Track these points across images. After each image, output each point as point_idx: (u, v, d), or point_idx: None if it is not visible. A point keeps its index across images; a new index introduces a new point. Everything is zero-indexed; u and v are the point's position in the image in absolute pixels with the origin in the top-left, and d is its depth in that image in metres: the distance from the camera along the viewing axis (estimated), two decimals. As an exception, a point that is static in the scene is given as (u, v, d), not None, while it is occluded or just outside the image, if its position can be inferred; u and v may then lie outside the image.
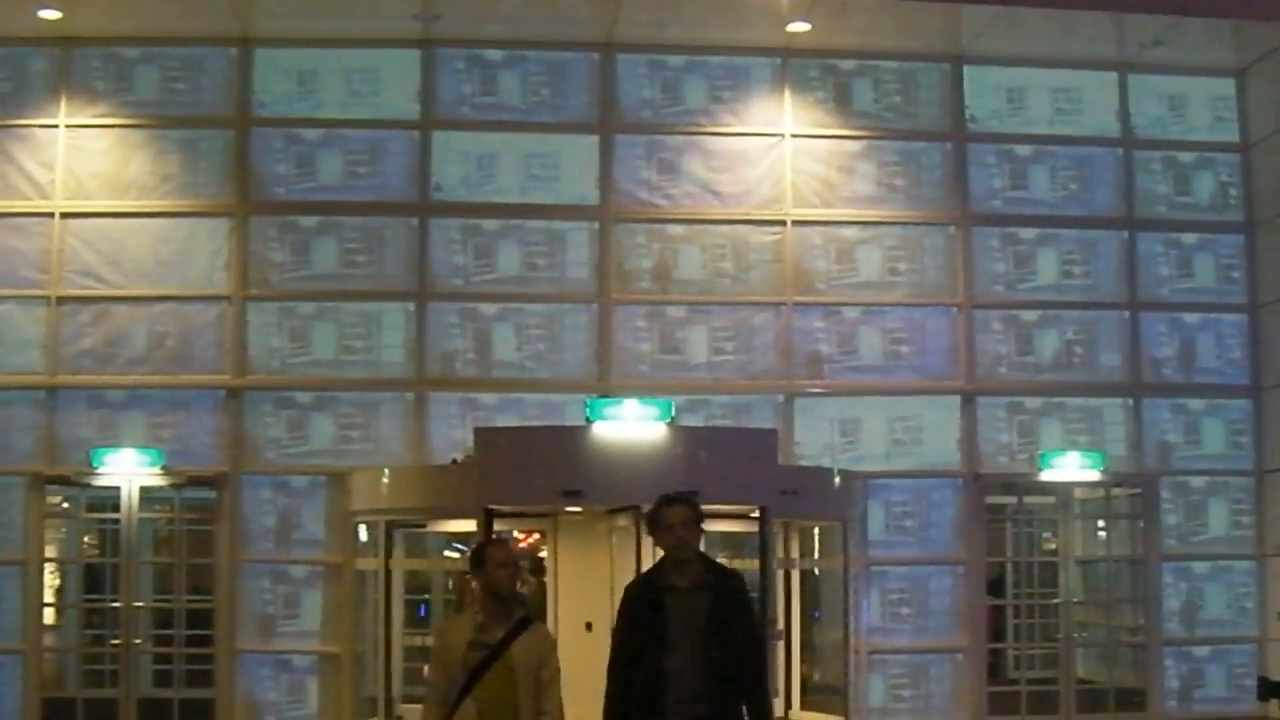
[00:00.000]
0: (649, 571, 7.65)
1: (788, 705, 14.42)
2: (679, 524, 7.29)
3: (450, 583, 15.69)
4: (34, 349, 15.16)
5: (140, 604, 15.04)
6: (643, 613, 7.25)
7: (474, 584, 7.63)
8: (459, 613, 8.26)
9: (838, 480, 14.51)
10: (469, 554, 7.33)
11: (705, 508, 7.47)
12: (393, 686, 13.95)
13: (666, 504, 7.39)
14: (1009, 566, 16.31)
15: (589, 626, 12.87)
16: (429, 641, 10.44)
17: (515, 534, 14.75)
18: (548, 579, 13.72)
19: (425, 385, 15.36)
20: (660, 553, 7.43)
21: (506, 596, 7.37)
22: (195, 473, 15.02)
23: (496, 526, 13.12)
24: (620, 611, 7.45)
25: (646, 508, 7.70)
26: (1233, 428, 16.31)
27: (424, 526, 14.96)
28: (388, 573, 14.15)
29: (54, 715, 14.70)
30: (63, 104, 15.48)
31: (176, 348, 15.26)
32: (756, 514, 13.24)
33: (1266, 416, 16.23)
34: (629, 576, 13.73)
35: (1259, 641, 16.00)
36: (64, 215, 15.32)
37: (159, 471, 14.82)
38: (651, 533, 7.47)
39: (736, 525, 13.67)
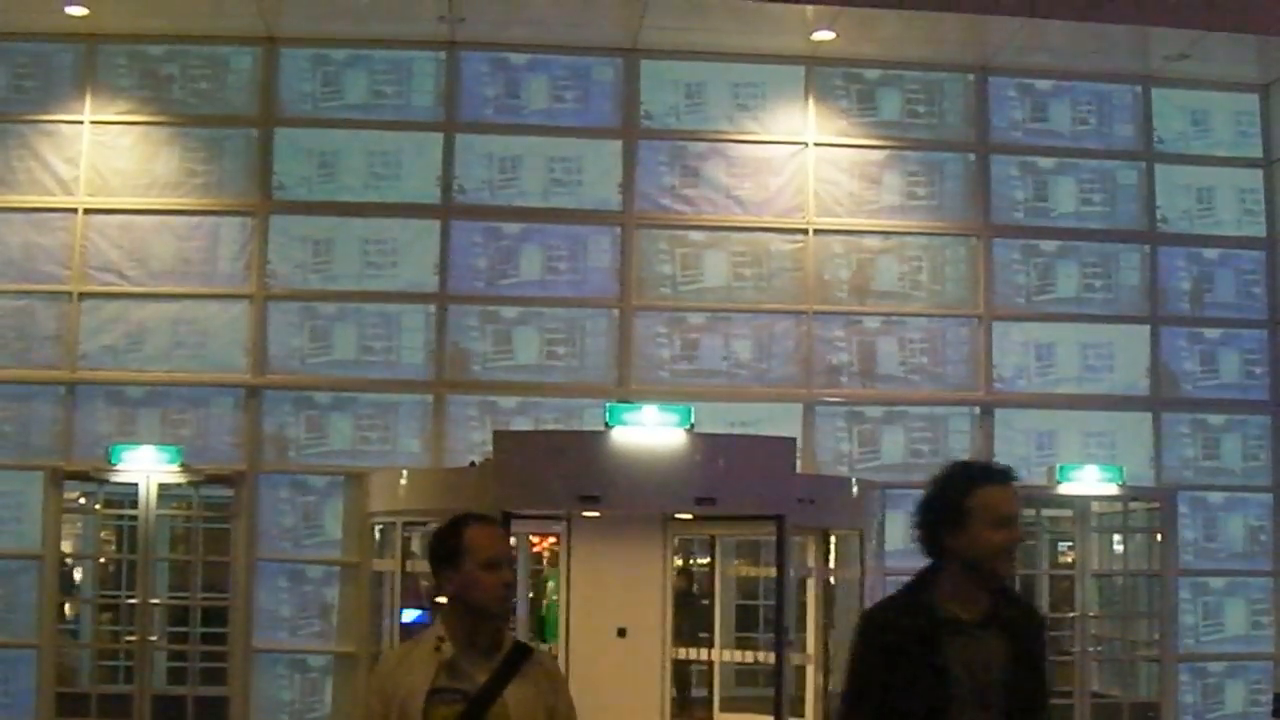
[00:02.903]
0: (911, 592, 4.93)
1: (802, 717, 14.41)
2: (1016, 515, 4.75)
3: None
4: (55, 344, 15.19)
5: (156, 600, 15.07)
6: (908, 653, 4.74)
7: (439, 593, 4.99)
8: (414, 638, 5.02)
9: (855, 489, 14.49)
10: (430, 542, 4.93)
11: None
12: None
13: (984, 480, 4.77)
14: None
15: (622, 632, 12.87)
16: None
17: (530, 537, 14.81)
18: (560, 583, 13.69)
19: (444, 387, 15.38)
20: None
21: (495, 615, 4.81)
22: (213, 471, 15.04)
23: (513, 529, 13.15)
24: (864, 645, 4.90)
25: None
26: (1252, 443, 16.27)
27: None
28: (404, 574, 14.16)
29: (68, 710, 14.73)
30: (88, 100, 15.52)
31: (197, 345, 15.28)
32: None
33: (1286, 433, 16.24)
34: (652, 579, 13.94)
35: (1275, 658, 15.95)
36: (87, 211, 15.35)
37: (177, 469, 14.84)
38: (941, 523, 4.79)
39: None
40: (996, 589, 4.80)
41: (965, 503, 4.67)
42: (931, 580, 4.82)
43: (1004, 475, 4.78)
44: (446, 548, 4.78)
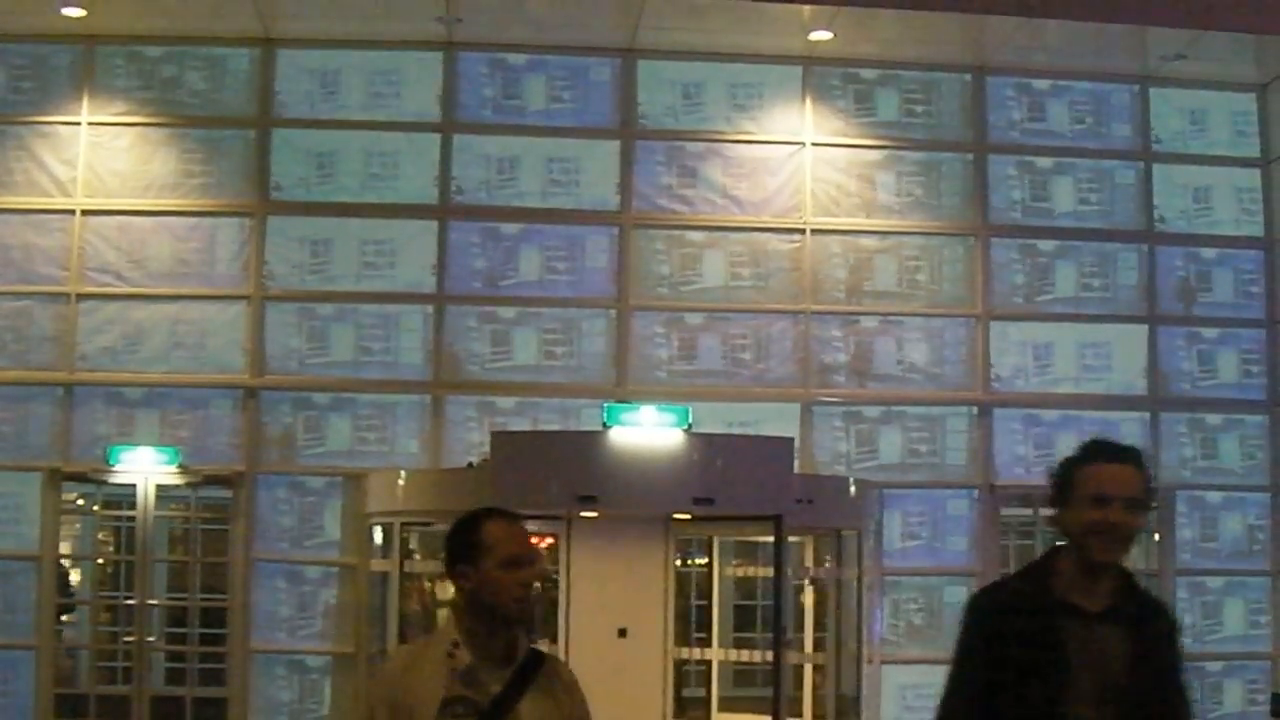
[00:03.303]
0: (1026, 576, 4.66)
1: (800, 716, 14.42)
2: (1119, 497, 4.41)
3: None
4: (53, 345, 15.18)
5: (155, 602, 15.08)
6: (1020, 640, 4.39)
7: (452, 593, 4.74)
8: (422, 639, 4.92)
9: (853, 489, 14.50)
10: (447, 538, 4.60)
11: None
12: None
13: (1094, 457, 4.47)
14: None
15: (622, 633, 12.87)
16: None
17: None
18: (560, 585, 13.69)
19: (442, 388, 15.38)
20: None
21: (515, 620, 4.49)
22: (212, 472, 15.04)
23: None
24: (969, 631, 4.58)
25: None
26: (1249, 443, 16.27)
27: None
28: (402, 574, 14.16)
29: (67, 711, 14.74)
30: (85, 101, 15.50)
31: (195, 347, 15.28)
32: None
33: (1284, 432, 16.25)
34: (653, 580, 13.97)
35: (1273, 658, 15.96)
36: (85, 212, 15.33)
37: (175, 470, 14.84)
38: (1056, 504, 4.51)
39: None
40: (1123, 582, 4.51)
41: (1071, 477, 4.45)
42: (1049, 565, 4.53)
43: (1116, 453, 4.47)
44: (463, 543, 4.47)
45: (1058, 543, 4.57)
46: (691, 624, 15.14)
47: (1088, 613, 4.41)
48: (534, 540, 4.57)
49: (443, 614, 14.98)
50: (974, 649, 4.50)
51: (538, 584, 4.75)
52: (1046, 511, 4.60)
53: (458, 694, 4.34)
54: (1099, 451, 4.47)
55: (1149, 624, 4.52)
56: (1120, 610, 4.45)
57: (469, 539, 4.46)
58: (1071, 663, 4.34)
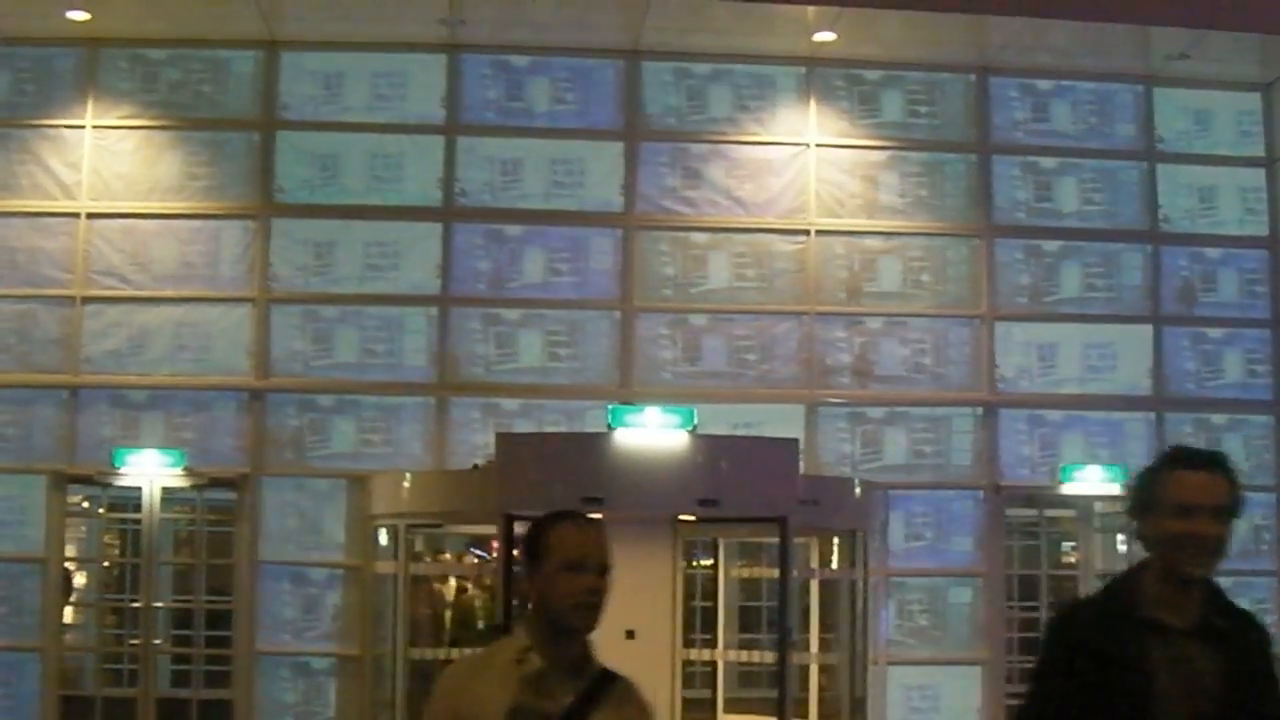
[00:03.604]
0: (1109, 591, 4.42)
1: (805, 718, 14.42)
2: (1205, 506, 4.20)
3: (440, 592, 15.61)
4: (58, 348, 15.19)
5: (160, 604, 15.09)
6: (1106, 658, 4.17)
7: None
8: (487, 649, 4.46)
9: (858, 490, 14.50)
10: (524, 537, 4.43)
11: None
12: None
13: (1178, 465, 4.28)
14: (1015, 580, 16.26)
15: (630, 635, 12.87)
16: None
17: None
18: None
19: (447, 390, 15.37)
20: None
21: (576, 628, 4.27)
22: (216, 474, 15.04)
23: (516, 530, 13.14)
24: (1052, 648, 4.39)
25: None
26: (1254, 443, 16.25)
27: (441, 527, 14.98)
28: (407, 576, 14.16)
29: (72, 714, 14.74)
30: (89, 105, 15.52)
31: (199, 349, 15.28)
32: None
33: (1289, 433, 16.22)
34: (660, 582, 13.94)
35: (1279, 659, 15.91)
36: (89, 216, 15.35)
37: (180, 472, 14.85)
38: (1137, 515, 4.33)
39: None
40: (1211, 595, 4.25)
41: (1153, 487, 4.24)
42: (1134, 580, 4.28)
43: (1200, 460, 4.25)
44: (530, 545, 4.31)
45: (1139, 562, 4.38)
46: (697, 625, 15.15)
47: (1175, 629, 4.18)
48: (606, 547, 4.35)
49: (449, 616, 15.03)
50: (1055, 670, 4.29)
51: (602, 592, 4.31)
52: (1128, 523, 4.43)
53: (526, 702, 4.13)
54: (1182, 459, 4.28)
55: (1240, 638, 4.26)
56: (1210, 625, 4.21)
57: (535, 540, 4.31)
58: (1159, 683, 4.11)
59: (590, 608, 4.24)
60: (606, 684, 4.25)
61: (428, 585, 15.30)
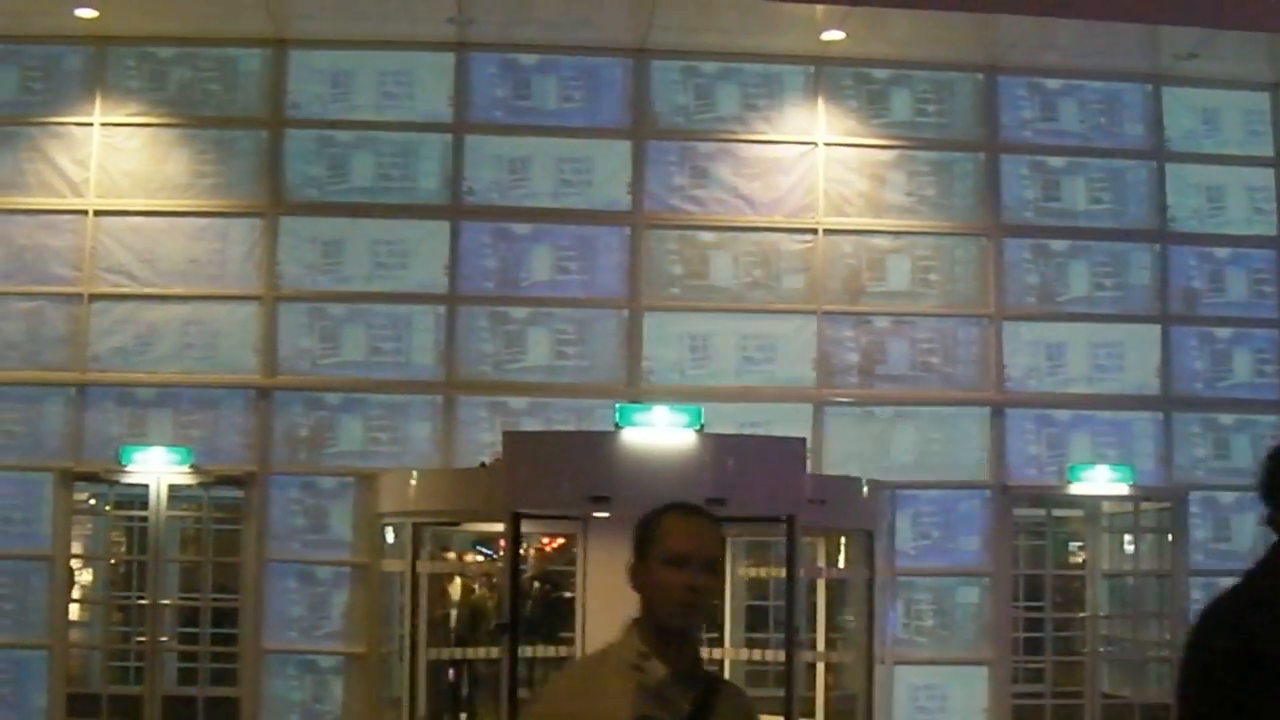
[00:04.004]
0: (1258, 581, 3.93)
1: (812, 716, 14.41)
2: None
3: (472, 587, 15.61)
4: (65, 346, 15.20)
5: (167, 602, 15.11)
6: (1271, 661, 3.62)
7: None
8: (595, 657, 4.16)
9: (865, 490, 14.48)
10: (633, 529, 4.10)
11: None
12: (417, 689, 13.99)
13: None
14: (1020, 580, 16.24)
15: None
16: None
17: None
18: (577, 584, 13.67)
19: (454, 388, 15.37)
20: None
21: (677, 628, 3.95)
22: (224, 472, 15.05)
23: (524, 529, 13.14)
24: (1202, 654, 3.83)
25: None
26: (1262, 443, 16.16)
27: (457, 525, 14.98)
28: (414, 575, 14.15)
29: (79, 711, 14.75)
30: (98, 102, 15.53)
31: (207, 347, 15.28)
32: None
33: (1297, 433, 16.18)
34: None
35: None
36: (97, 213, 15.36)
37: (187, 470, 14.86)
38: (1269, 498, 4.00)
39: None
40: None
41: None
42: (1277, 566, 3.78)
43: None
44: (640, 538, 3.99)
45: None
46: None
47: None
48: (714, 542, 4.00)
49: (455, 615, 15.01)
50: (1216, 676, 3.71)
51: (706, 591, 3.93)
52: (1263, 509, 4.03)
53: (648, 714, 3.81)
54: None
55: None
56: None
57: (643, 533, 4.00)
58: None
59: (691, 606, 3.90)
60: (717, 690, 4.00)
61: (438, 584, 15.28)
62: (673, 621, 3.89)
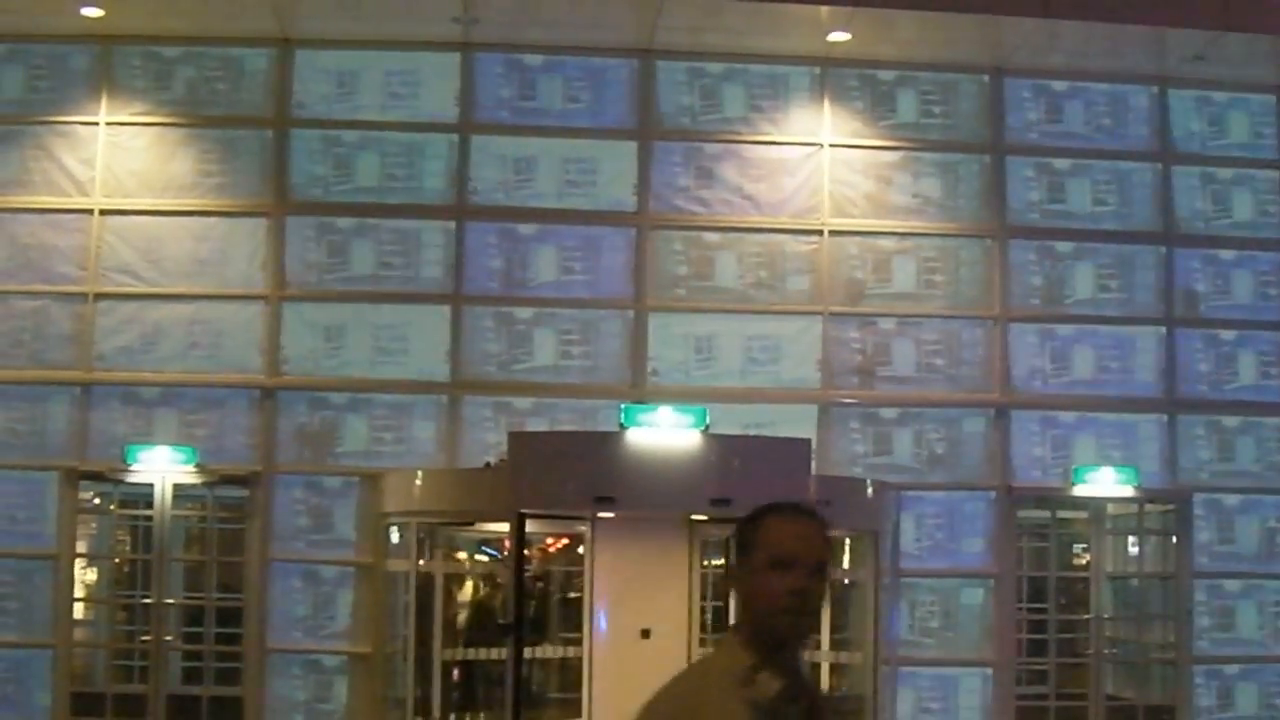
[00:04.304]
0: None
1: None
2: None
3: (477, 587, 15.60)
4: (70, 345, 15.21)
5: (171, 601, 15.10)
6: None
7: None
8: (698, 669, 3.95)
9: (870, 491, 14.48)
10: (735, 530, 3.90)
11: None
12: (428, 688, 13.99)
13: None
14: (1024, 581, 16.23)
15: (646, 634, 12.85)
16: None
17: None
18: (584, 584, 13.66)
19: (459, 388, 15.37)
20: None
21: (780, 634, 3.73)
22: (228, 471, 15.05)
23: (529, 528, 13.14)
24: None
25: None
26: (1267, 445, 16.21)
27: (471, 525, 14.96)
28: (419, 574, 14.15)
29: (83, 710, 14.75)
30: (103, 102, 15.54)
31: (212, 346, 15.29)
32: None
33: (1301, 435, 16.18)
34: (676, 581, 13.89)
35: (1291, 661, 15.91)
36: (103, 212, 15.37)
37: (192, 469, 14.87)
38: None
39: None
40: None
41: None
42: None
43: None
44: (742, 540, 3.78)
45: None
46: (708, 624, 15.13)
47: None
48: (821, 544, 3.81)
49: (462, 617, 14.98)
50: None
51: (813, 595, 3.71)
52: None
53: None
54: None
55: None
56: None
57: (745, 534, 3.79)
58: None
59: (795, 613, 3.68)
60: (820, 702, 3.81)
61: (449, 584, 15.26)
62: (777, 627, 3.68)
